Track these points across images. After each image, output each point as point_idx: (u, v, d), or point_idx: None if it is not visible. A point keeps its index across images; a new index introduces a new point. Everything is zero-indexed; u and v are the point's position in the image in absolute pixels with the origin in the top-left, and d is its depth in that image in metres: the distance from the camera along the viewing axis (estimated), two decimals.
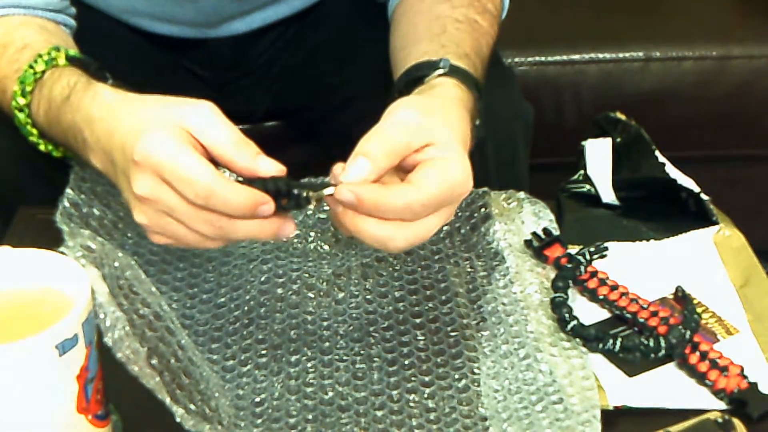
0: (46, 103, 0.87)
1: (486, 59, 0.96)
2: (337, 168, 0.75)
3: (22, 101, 0.89)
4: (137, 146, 0.74)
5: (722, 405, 0.78)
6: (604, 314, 0.86)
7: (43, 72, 0.89)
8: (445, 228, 0.94)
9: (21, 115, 0.90)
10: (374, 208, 0.74)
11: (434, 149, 0.76)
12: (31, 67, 0.89)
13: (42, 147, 0.92)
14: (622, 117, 1.01)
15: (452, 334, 0.84)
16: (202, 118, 0.75)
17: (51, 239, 0.76)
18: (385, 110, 0.79)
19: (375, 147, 0.75)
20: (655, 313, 0.84)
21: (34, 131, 0.91)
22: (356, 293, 0.88)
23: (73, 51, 0.91)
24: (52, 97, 0.87)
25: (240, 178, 0.75)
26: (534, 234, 0.92)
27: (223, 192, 0.72)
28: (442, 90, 0.85)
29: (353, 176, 0.74)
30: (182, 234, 0.75)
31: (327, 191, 0.75)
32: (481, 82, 0.91)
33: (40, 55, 0.89)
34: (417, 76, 0.88)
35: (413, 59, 0.91)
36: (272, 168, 0.74)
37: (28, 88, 0.89)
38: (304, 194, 0.75)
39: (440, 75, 0.87)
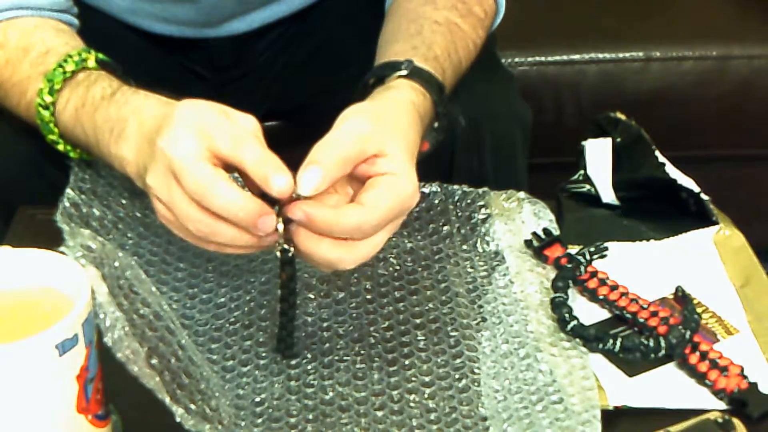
0: (80, 101, 0.88)
1: (460, 62, 0.97)
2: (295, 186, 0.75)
3: (48, 99, 0.90)
4: (157, 139, 0.75)
5: (722, 405, 0.78)
6: (604, 314, 0.86)
7: (73, 72, 0.89)
8: (445, 228, 0.94)
9: (46, 113, 0.90)
10: (326, 228, 0.75)
11: (385, 162, 0.77)
12: (60, 66, 0.90)
13: (60, 147, 0.92)
14: (622, 117, 1.01)
15: (452, 334, 0.84)
16: (247, 124, 0.76)
17: (51, 239, 0.76)
18: (341, 114, 0.80)
19: (327, 156, 0.75)
20: (655, 313, 0.84)
21: (56, 130, 0.91)
22: (356, 293, 0.88)
23: (102, 54, 0.92)
24: (90, 95, 0.87)
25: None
26: (534, 234, 0.92)
27: (221, 193, 0.73)
28: (395, 93, 0.87)
29: (306, 185, 0.74)
30: (177, 196, 0.76)
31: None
32: (449, 84, 0.93)
33: (70, 56, 0.90)
34: (380, 76, 0.90)
35: (384, 58, 0.93)
36: (286, 188, 0.74)
37: (57, 87, 0.89)
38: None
39: (401, 77, 0.88)
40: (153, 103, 0.83)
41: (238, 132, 0.75)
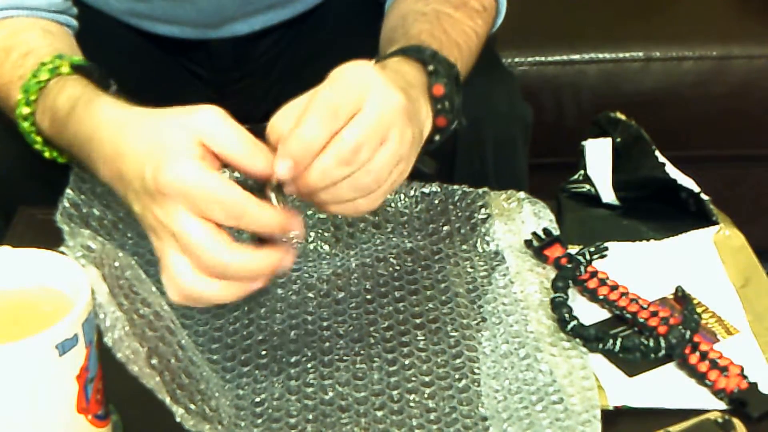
0: (51, 113, 0.87)
1: (460, 44, 0.95)
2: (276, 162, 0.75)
3: (26, 110, 0.89)
4: (161, 175, 0.72)
5: (722, 405, 0.78)
6: (604, 314, 0.86)
7: (47, 81, 0.88)
8: (445, 228, 0.94)
9: (25, 124, 0.90)
10: (308, 156, 0.74)
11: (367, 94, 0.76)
12: (34, 76, 0.88)
13: (47, 154, 0.91)
14: (622, 117, 1.01)
15: (452, 334, 0.84)
16: (212, 127, 0.74)
17: (51, 239, 0.76)
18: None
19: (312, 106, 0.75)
20: (655, 313, 0.84)
21: (39, 139, 0.90)
22: (356, 293, 0.88)
23: (77, 58, 0.91)
24: (57, 108, 0.86)
25: (237, 175, 0.76)
26: (534, 234, 0.92)
27: (254, 211, 0.72)
28: (385, 63, 0.85)
29: (281, 166, 0.73)
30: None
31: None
32: (442, 56, 0.89)
33: (43, 64, 0.89)
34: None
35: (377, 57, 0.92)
36: (287, 171, 0.74)
37: (32, 98, 0.88)
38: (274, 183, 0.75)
39: (387, 56, 0.87)
40: (104, 127, 0.80)
41: (229, 201, 0.72)
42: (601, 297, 0.87)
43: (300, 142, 0.74)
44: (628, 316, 0.85)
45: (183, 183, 0.72)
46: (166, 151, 0.73)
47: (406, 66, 0.86)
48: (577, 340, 0.82)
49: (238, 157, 0.74)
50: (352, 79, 0.76)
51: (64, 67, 0.89)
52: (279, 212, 0.74)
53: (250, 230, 0.74)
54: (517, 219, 0.94)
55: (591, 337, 0.82)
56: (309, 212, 0.93)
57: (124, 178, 0.76)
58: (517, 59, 1.65)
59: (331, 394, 0.79)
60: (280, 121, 0.76)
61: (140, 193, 0.75)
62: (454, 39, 0.95)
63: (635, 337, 0.82)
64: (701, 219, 0.96)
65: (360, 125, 0.75)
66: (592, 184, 0.99)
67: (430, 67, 0.87)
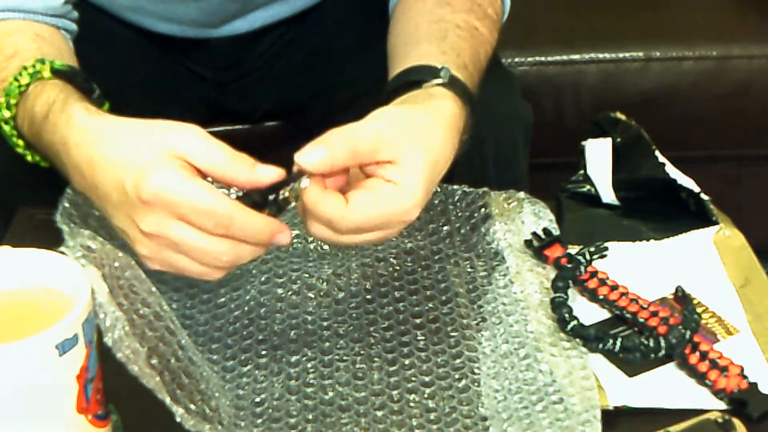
0: (29, 119, 0.87)
1: (482, 69, 0.96)
2: (297, 155, 0.76)
3: (7, 114, 0.89)
4: (145, 185, 0.73)
5: (722, 405, 0.78)
6: (604, 314, 0.86)
7: (28, 85, 0.88)
8: (445, 228, 0.94)
9: (7, 128, 0.89)
10: (308, 207, 0.76)
11: (394, 170, 0.77)
12: (16, 79, 0.88)
13: (29, 158, 0.91)
14: (622, 117, 1.01)
15: (452, 334, 0.84)
16: (192, 143, 0.75)
17: (51, 239, 0.76)
18: (375, 108, 0.80)
19: (339, 142, 0.76)
20: (655, 313, 0.84)
21: (21, 143, 0.90)
22: (356, 293, 0.88)
23: (59, 62, 0.89)
24: (34, 113, 0.86)
25: (226, 190, 0.76)
26: (534, 234, 0.92)
27: (243, 219, 0.74)
28: (438, 104, 0.85)
29: (306, 158, 0.75)
30: (186, 265, 0.76)
31: (303, 184, 0.75)
32: (475, 94, 0.91)
33: (25, 68, 0.88)
34: (415, 80, 0.88)
35: (413, 59, 0.91)
36: (273, 174, 0.75)
37: (13, 101, 0.88)
38: (281, 197, 0.76)
39: (439, 84, 0.87)
40: (76, 136, 0.80)
41: (217, 210, 0.74)
42: (601, 297, 0.87)
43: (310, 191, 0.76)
44: (628, 316, 0.85)
45: (168, 192, 0.73)
46: (148, 162, 0.73)
47: (459, 110, 0.86)
48: (577, 340, 0.82)
49: (222, 169, 0.74)
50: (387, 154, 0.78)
51: (45, 71, 0.88)
52: (268, 219, 0.75)
53: (238, 238, 0.74)
54: (517, 219, 0.94)
55: (591, 337, 0.82)
56: None
57: (98, 188, 0.77)
58: (517, 59, 1.65)
59: (331, 394, 0.78)
60: (331, 138, 0.77)
61: (121, 206, 0.75)
62: (483, 63, 0.96)
63: (635, 337, 0.82)
64: (701, 219, 0.96)
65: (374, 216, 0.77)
66: (592, 184, 0.99)
67: (468, 109, 0.87)
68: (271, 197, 0.76)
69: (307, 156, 0.75)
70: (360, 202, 0.77)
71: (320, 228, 0.77)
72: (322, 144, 0.75)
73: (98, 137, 0.78)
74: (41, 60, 0.89)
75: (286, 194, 0.76)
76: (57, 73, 0.88)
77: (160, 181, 0.73)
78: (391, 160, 0.77)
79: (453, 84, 0.87)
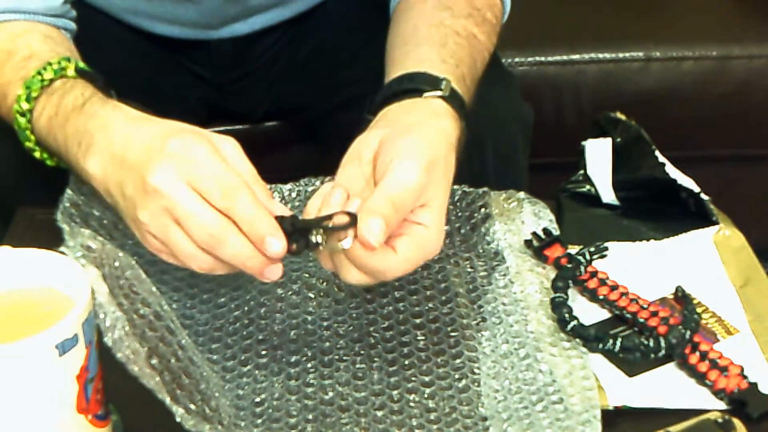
0: (53, 110, 0.88)
1: (478, 79, 0.96)
2: (340, 218, 0.77)
3: (25, 106, 0.89)
4: (173, 141, 0.77)
5: (722, 405, 0.78)
6: (604, 314, 0.87)
7: (51, 80, 0.89)
8: (445, 228, 0.94)
9: (22, 120, 0.90)
10: (357, 262, 0.77)
11: (424, 212, 0.79)
12: (39, 74, 0.89)
13: (37, 154, 0.91)
14: (622, 117, 1.01)
15: (452, 334, 0.84)
16: (231, 148, 0.79)
17: (51, 239, 0.76)
18: (388, 141, 0.81)
19: (389, 208, 0.77)
20: (655, 313, 0.84)
21: (32, 137, 0.91)
22: (356, 293, 0.88)
23: (82, 63, 0.92)
24: (63, 104, 0.87)
25: None
26: (534, 234, 0.92)
27: (249, 198, 0.75)
28: (442, 125, 0.85)
29: (375, 238, 0.75)
30: (179, 239, 0.76)
31: (344, 244, 0.76)
32: (470, 107, 0.92)
33: (50, 63, 0.89)
34: (414, 88, 0.88)
35: (412, 62, 0.91)
36: (284, 211, 0.78)
37: (34, 94, 0.89)
38: (315, 239, 0.77)
39: (439, 96, 0.87)
40: (121, 119, 0.83)
41: (230, 181, 0.76)
42: (601, 297, 0.87)
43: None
44: (628, 316, 0.85)
45: (190, 150, 0.76)
46: (183, 128, 0.79)
47: (458, 130, 0.86)
48: (577, 340, 0.82)
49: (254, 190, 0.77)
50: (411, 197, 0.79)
51: (69, 69, 0.90)
52: (271, 218, 0.75)
53: (237, 219, 0.75)
54: (517, 219, 0.94)
55: (591, 337, 0.82)
56: None
57: (125, 161, 0.79)
58: (517, 59, 1.65)
59: (331, 394, 0.78)
60: (382, 207, 0.78)
61: (139, 163, 0.77)
62: (479, 72, 0.96)
63: (635, 337, 0.82)
64: (701, 219, 0.96)
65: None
66: (592, 184, 1.00)
67: (463, 125, 0.88)
68: (301, 232, 0.77)
69: (373, 232, 0.75)
70: (407, 252, 0.78)
71: (361, 276, 0.78)
72: (377, 218, 0.76)
73: (145, 119, 0.82)
74: (67, 58, 0.91)
75: (320, 239, 0.77)
76: (81, 73, 0.90)
77: (187, 141, 0.77)
78: (424, 203, 0.79)
79: (452, 98, 0.87)
